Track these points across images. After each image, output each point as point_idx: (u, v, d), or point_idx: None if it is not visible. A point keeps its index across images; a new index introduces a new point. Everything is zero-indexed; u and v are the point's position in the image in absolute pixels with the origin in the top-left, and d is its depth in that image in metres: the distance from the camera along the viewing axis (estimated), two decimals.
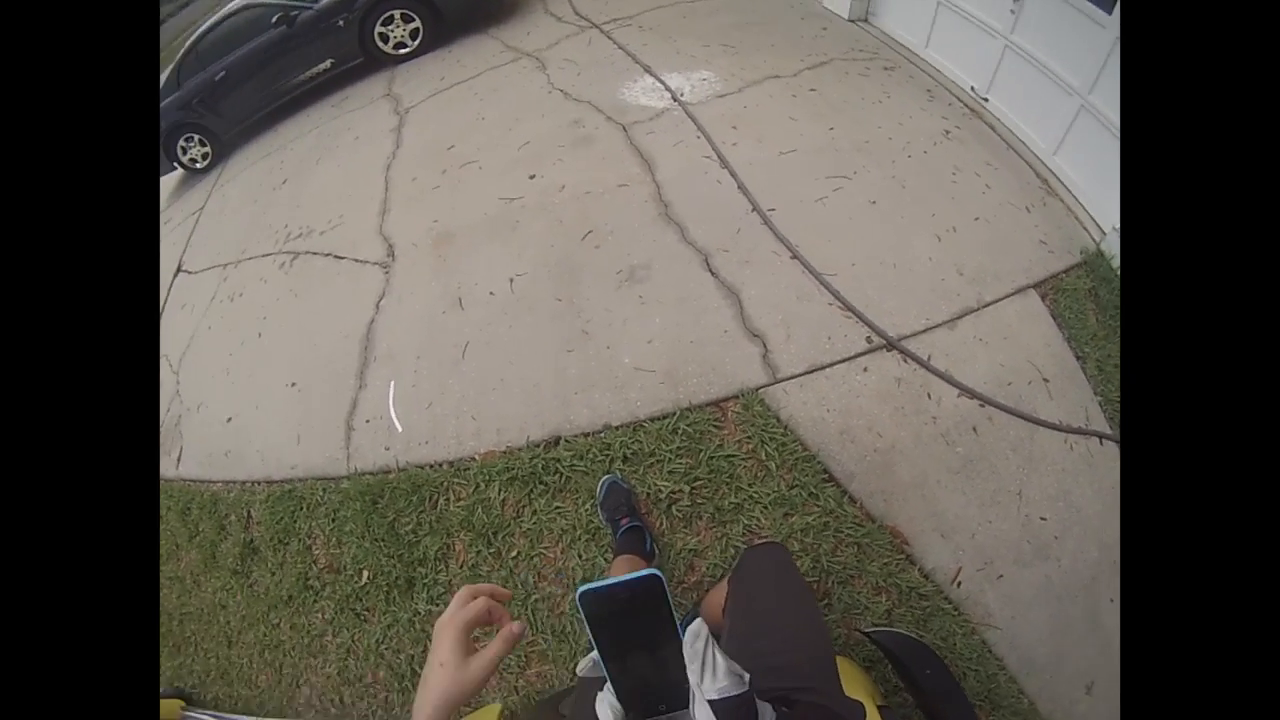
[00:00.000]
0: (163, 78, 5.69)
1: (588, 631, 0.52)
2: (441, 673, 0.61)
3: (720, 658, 0.53)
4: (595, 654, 0.54)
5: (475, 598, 0.67)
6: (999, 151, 3.43)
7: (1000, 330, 2.61)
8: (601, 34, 4.93)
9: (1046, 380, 2.50)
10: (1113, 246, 2.87)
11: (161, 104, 5.70)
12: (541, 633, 2.22)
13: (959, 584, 2.16)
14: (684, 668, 0.52)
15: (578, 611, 0.55)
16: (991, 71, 3.65)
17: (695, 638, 0.54)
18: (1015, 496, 2.27)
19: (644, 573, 0.51)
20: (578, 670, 0.58)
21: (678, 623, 0.53)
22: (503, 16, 5.72)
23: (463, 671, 0.61)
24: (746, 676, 0.53)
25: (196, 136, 5.90)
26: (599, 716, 0.54)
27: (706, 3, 5.19)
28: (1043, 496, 2.29)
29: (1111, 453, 2.42)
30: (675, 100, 3.93)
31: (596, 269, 2.97)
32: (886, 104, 3.72)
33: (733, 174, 3.29)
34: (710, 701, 0.50)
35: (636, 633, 0.53)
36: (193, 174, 6.08)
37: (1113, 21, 2.79)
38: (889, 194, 3.11)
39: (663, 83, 4.12)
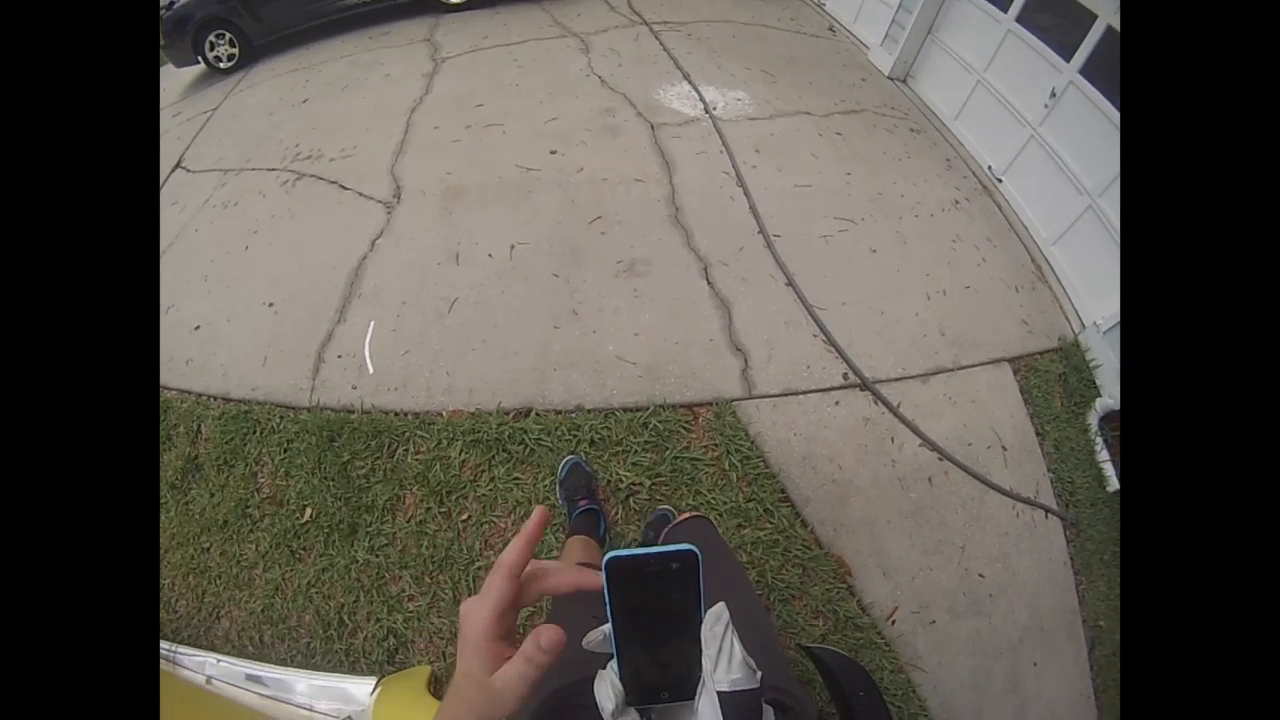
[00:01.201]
0: None
1: (606, 602, 0.47)
2: (466, 688, 0.47)
3: (738, 647, 0.48)
4: (607, 627, 0.48)
5: (505, 572, 0.48)
6: (1001, 231, 3.55)
7: (969, 394, 2.71)
8: (650, 32, 4.98)
9: (1005, 448, 2.60)
10: (1090, 341, 2.98)
11: None
12: None
13: (893, 622, 2.22)
14: (699, 655, 0.48)
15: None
16: (1012, 156, 3.77)
17: (716, 621, 0.48)
18: (958, 550, 2.36)
19: (681, 546, 0.46)
20: (584, 643, 0.49)
21: (704, 606, 0.49)
22: None
23: (487, 694, 0.46)
24: (759, 674, 0.48)
25: (228, 35, 5.69)
26: (597, 696, 0.49)
27: (758, 29, 5.29)
28: (984, 555, 2.37)
29: (1054, 527, 2.52)
30: (707, 112, 4.00)
31: (598, 254, 2.99)
32: (906, 163, 3.83)
33: (747, 194, 3.36)
34: (719, 694, 0.47)
35: (659, 611, 0.48)
36: (215, 72, 5.87)
37: None
38: (890, 246, 3.20)
39: (699, 93, 4.20)
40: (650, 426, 2.39)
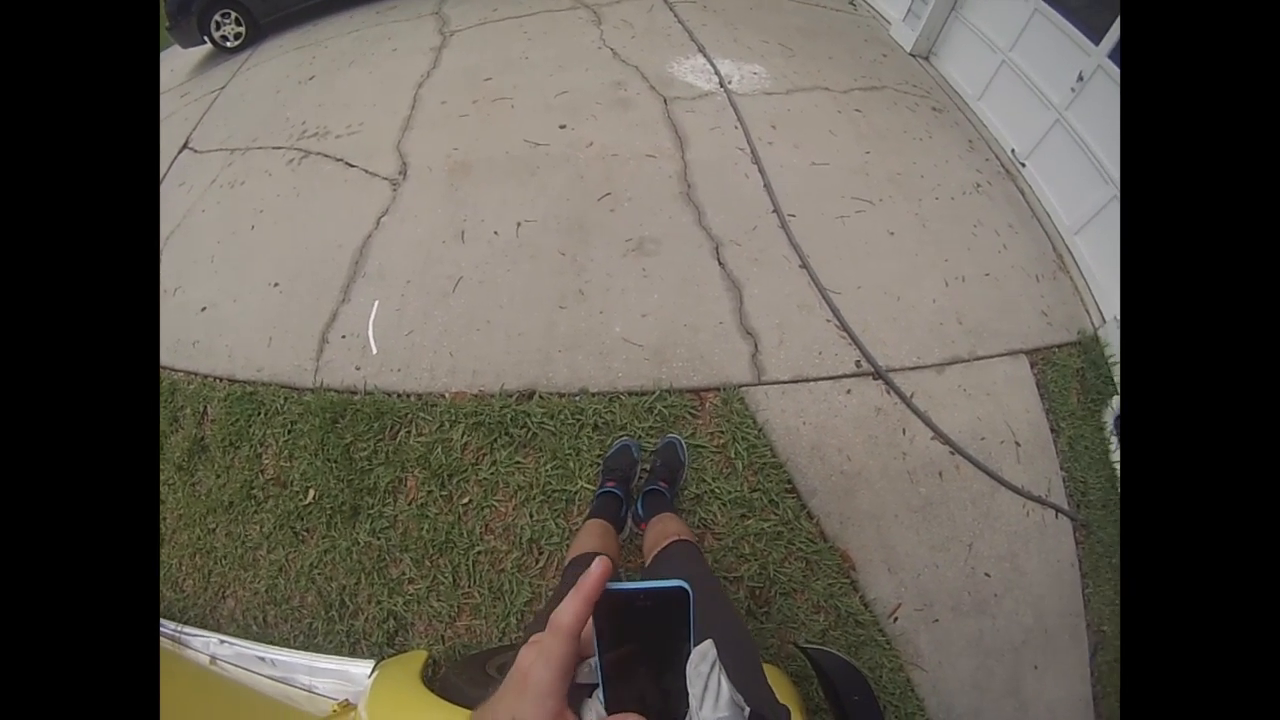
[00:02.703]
0: None
1: (594, 634, 0.46)
2: None
3: (725, 685, 0.46)
4: (594, 659, 0.47)
5: (570, 638, 0.46)
6: (1023, 217, 3.43)
7: (985, 386, 2.62)
8: (665, 4, 4.85)
9: (1018, 444, 2.52)
10: (1110, 335, 2.89)
11: None
12: (478, 586, 2.17)
13: (896, 619, 2.18)
14: (685, 693, 0.47)
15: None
16: (1036, 140, 3.64)
17: (702, 659, 0.47)
18: (965, 548, 2.30)
19: (672, 583, 0.46)
20: (575, 676, 0.47)
21: (693, 643, 0.48)
22: None
23: None
24: (747, 710, 0.47)
25: (234, 14, 5.67)
26: None
27: (777, 2, 5.13)
28: (991, 554, 2.31)
29: (1064, 527, 2.45)
30: (722, 86, 3.88)
31: (607, 232, 2.91)
32: (926, 143, 3.71)
33: (762, 171, 3.26)
34: None
35: (648, 646, 0.47)
36: (221, 52, 5.85)
37: None
38: (909, 229, 3.10)
39: (714, 66, 4.08)
40: (655, 411, 2.34)
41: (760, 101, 3.77)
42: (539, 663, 0.45)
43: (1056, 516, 2.45)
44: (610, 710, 0.47)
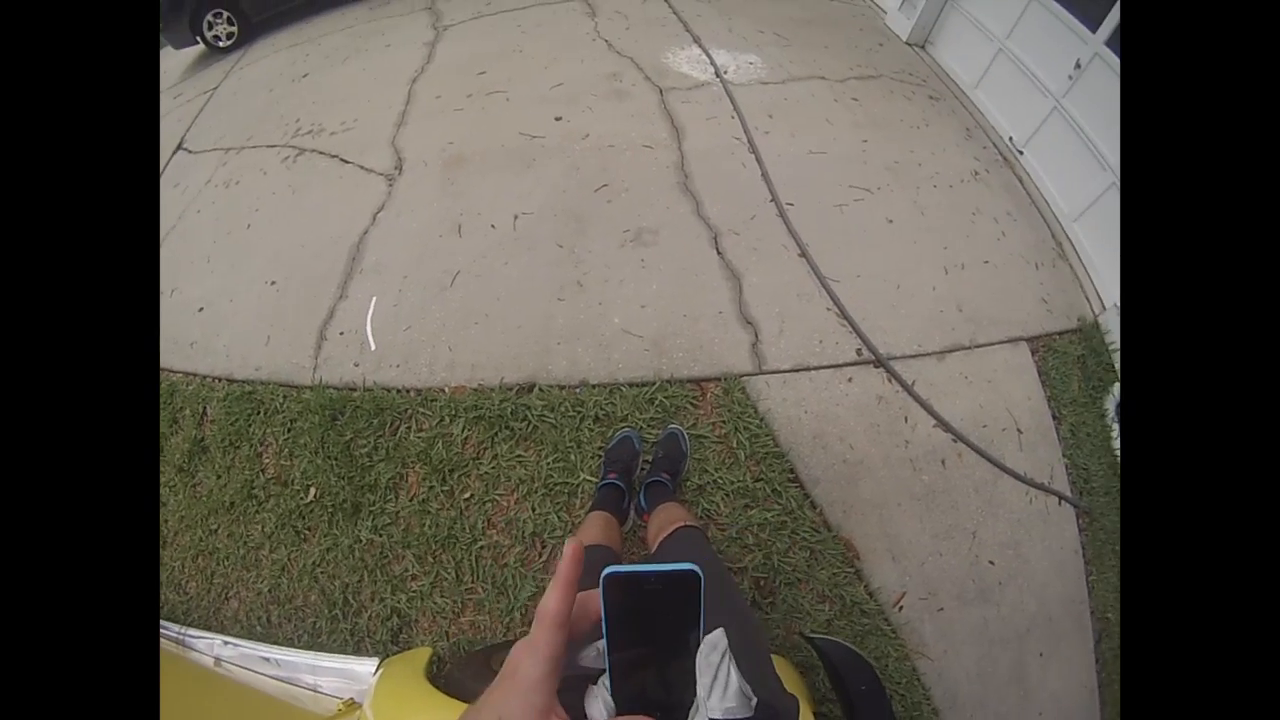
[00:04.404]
0: None
1: (602, 617, 0.46)
2: None
3: (734, 675, 0.45)
4: (601, 643, 0.47)
5: (558, 626, 0.45)
6: (1022, 205, 3.43)
7: (986, 373, 2.62)
8: None
9: (1020, 431, 2.52)
10: (1110, 322, 2.89)
11: None
12: (481, 581, 2.16)
13: (900, 608, 2.18)
14: (694, 679, 0.46)
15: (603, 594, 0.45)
16: (1034, 128, 3.64)
17: (712, 649, 0.46)
18: (969, 536, 2.30)
19: (683, 566, 0.45)
20: (578, 659, 0.47)
21: (703, 629, 0.47)
22: None
23: None
24: (754, 700, 0.46)
25: (226, 14, 5.65)
26: (588, 711, 0.47)
27: None
28: (995, 541, 2.31)
29: (1067, 515, 2.46)
30: (718, 76, 3.88)
31: (604, 223, 2.91)
32: (924, 131, 3.71)
33: (759, 160, 3.26)
34: None
35: (656, 631, 0.47)
36: (214, 52, 5.83)
37: None
38: (908, 217, 3.09)
39: (709, 56, 4.08)
40: (656, 402, 2.33)
41: (756, 91, 3.77)
42: (527, 656, 0.44)
43: (1060, 504, 2.45)
44: (617, 699, 0.47)
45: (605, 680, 0.47)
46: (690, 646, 0.46)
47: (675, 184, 3.08)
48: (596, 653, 0.48)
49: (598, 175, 3.13)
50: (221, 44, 5.75)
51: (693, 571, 0.45)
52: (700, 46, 4.18)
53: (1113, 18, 3.05)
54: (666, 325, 2.55)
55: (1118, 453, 2.64)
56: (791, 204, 3.03)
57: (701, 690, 0.45)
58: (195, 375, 2.88)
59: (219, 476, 2.61)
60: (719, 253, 2.80)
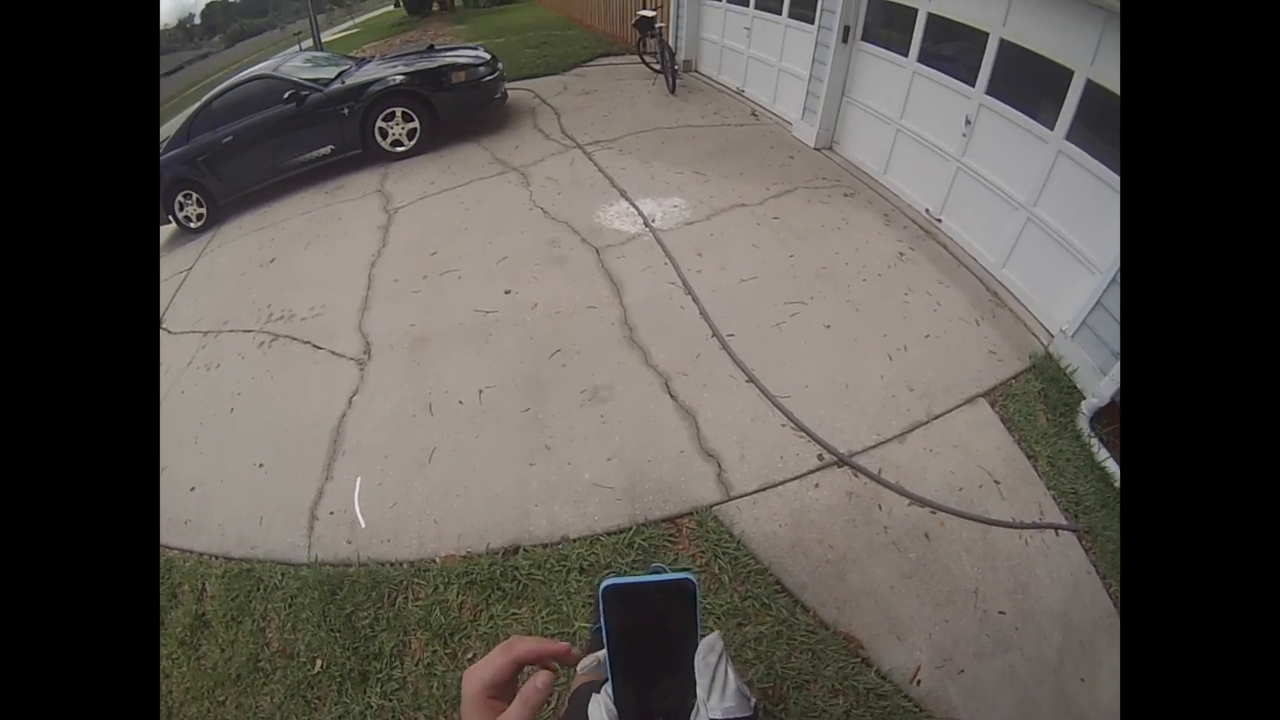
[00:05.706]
0: (174, 127, 5.89)
1: (602, 629, 0.49)
2: None
3: (732, 676, 0.49)
4: (602, 653, 0.50)
5: (510, 654, 0.52)
6: (951, 269, 3.72)
7: (950, 439, 2.80)
8: (584, 154, 5.38)
9: (997, 482, 2.65)
10: (1061, 348, 3.08)
11: (170, 154, 5.87)
12: None
13: (918, 682, 2.17)
14: (694, 684, 0.48)
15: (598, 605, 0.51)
16: (945, 193, 3.96)
17: (709, 651, 0.49)
18: (971, 594, 2.35)
19: (678, 575, 0.48)
20: (579, 668, 0.52)
21: (700, 636, 0.50)
22: (494, 127, 6.17)
23: None
24: (753, 700, 0.50)
25: (195, 195, 6.03)
26: (591, 719, 0.50)
27: (685, 130, 5.68)
28: (1000, 591, 2.36)
29: (1068, 541, 2.51)
30: (647, 226, 4.27)
31: (562, 386, 3.19)
32: (845, 229, 4.06)
33: (695, 300, 3.59)
34: None
35: (655, 638, 0.49)
36: (185, 231, 6.17)
37: (1055, 136, 3.08)
38: (843, 317, 3.38)
39: (636, 208, 4.49)
40: (636, 545, 2.50)
41: (684, 232, 4.15)
42: (476, 669, 0.51)
43: (1057, 534, 2.51)
44: (620, 706, 0.49)
45: (608, 688, 0.50)
46: (688, 651, 0.48)
47: (622, 339, 3.40)
48: (597, 662, 0.50)
49: (551, 341, 3.44)
50: (192, 225, 6.12)
51: (688, 580, 0.48)
52: (627, 200, 4.58)
53: (986, 66, 3.38)
54: (634, 472, 2.76)
55: (1104, 464, 2.68)
56: (732, 334, 3.31)
57: (701, 691, 0.47)
58: (191, 552, 2.97)
59: (223, 650, 2.63)
60: (671, 396, 3.05)
